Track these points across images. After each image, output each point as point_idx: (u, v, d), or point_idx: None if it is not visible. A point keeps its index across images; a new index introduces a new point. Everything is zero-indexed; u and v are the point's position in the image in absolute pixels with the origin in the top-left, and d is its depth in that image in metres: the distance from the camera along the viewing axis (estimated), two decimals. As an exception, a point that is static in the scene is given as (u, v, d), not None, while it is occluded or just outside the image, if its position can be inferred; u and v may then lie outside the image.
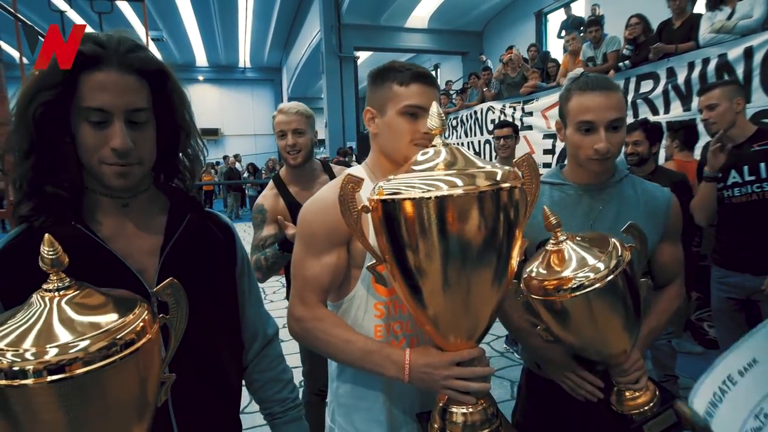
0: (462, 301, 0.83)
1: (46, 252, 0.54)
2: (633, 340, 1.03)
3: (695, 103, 3.16)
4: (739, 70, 3.59)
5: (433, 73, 17.13)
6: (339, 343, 1.03)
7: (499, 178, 0.78)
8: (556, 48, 10.05)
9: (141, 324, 0.56)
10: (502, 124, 3.98)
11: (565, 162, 1.36)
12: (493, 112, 6.87)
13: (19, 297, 0.62)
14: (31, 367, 0.49)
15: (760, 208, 2.14)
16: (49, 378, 0.49)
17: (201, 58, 21.85)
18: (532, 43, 7.74)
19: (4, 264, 0.77)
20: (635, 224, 1.01)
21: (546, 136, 5.71)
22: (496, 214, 0.79)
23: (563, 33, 8.33)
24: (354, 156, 12.08)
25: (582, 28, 6.62)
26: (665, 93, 4.20)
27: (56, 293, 0.54)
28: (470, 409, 0.92)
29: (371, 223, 0.89)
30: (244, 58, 21.84)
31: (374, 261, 0.91)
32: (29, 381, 0.49)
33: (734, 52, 3.66)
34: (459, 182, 0.77)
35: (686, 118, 3.86)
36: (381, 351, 0.99)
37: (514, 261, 0.87)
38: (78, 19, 13.36)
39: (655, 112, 4.29)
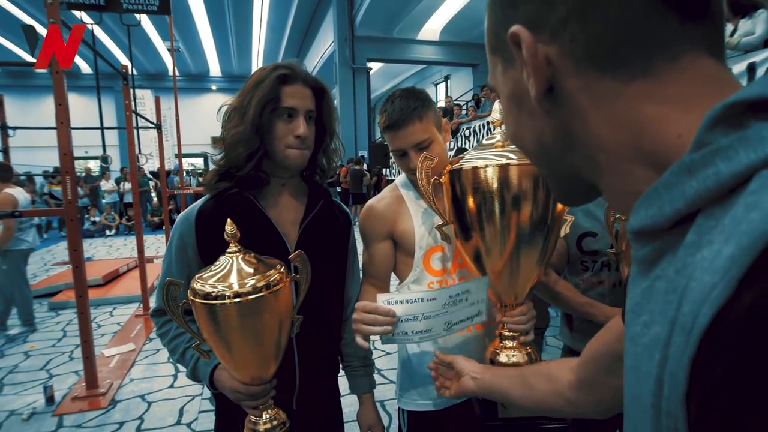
0: (511, 259, 1.00)
1: (229, 230, 0.86)
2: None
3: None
4: (743, 84, 3.73)
5: (443, 84, 17.31)
6: None
7: None
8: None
9: (280, 275, 0.87)
10: None
11: None
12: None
13: (210, 246, 1.00)
14: (229, 293, 0.81)
15: None
16: (236, 300, 0.81)
17: (215, 68, 22.46)
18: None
19: (202, 222, 1.10)
20: None
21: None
22: (544, 188, 0.96)
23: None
24: (365, 164, 12.27)
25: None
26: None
27: (236, 254, 0.87)
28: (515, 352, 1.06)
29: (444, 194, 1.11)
30: (257, 68, 22.13)
31: (441, 222, 1.13)
32: (227, 301, 0.81)
33: (738, 68, 3.84)
34: (513, 156, 0.97)
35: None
36: None
37: (556, 237, 1.02)
38: (102, 33, 13.75)
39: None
